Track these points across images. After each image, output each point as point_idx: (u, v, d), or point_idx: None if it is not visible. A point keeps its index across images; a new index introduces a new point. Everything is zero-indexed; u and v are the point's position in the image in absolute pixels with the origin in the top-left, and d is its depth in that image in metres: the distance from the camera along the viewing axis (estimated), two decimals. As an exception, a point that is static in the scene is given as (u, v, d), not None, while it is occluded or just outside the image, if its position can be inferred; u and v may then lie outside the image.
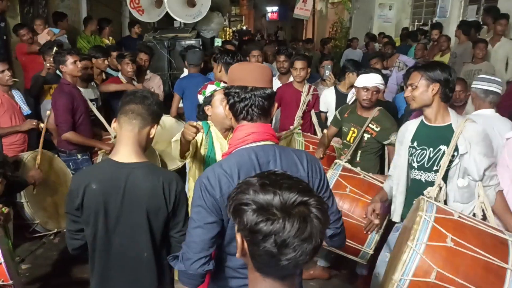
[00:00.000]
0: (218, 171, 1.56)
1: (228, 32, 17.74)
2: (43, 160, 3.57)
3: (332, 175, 2.95)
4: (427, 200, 2.15)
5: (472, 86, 3.02)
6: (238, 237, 1.03)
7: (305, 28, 18.61)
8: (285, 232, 0.92)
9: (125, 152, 1.83)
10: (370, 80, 3.24)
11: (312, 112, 4.35)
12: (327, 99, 4.41)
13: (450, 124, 2.40)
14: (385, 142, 3.26)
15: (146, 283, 1.89)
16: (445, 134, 2.39)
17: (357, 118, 3.35)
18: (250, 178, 1.04)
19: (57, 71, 4.17)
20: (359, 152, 3.32)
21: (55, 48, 4.26)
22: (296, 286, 1.74)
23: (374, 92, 3.24)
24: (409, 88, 2.45)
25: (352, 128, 3.35)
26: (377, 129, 3.24)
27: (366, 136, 3.27)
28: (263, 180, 1.01)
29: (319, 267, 3.60)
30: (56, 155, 3.78)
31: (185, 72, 5.04)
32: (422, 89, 2.40)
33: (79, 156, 3.74)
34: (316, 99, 4.34)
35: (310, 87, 4.30)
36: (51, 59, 4.26)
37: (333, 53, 9.40)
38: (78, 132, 3.70)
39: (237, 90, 1.64)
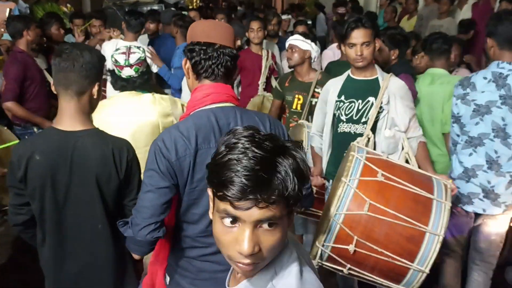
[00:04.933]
0: (175, 133, 1.48)
1: (195, -1, 17.18)
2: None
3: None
4: (358, 146, 2.24)
5: None
6: None
7: (275, -6, 18.21)
8: None
9: (68, 121, 1.71)
10: (290, 39, 3.38)
11: (273, 78, 4.25)
12: None
13: (377, 78, 2.48)
14: None
15: (102, 255, 1.83)
16: (373, 87, 2.47)
17: (299, 85, 3.37)
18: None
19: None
20: (310, 118, 3.31)
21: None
22: None
23: (295, 50, 3.29)
24: (360, 46, 2.37)
25: (297, 95, 3.37)
26: None
27: (314, 100, 3.27)
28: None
29: (297, 235, 3.64)
30: (5, 127, 3.58)
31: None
32: (373, 46, 2.41)
33: (35, 129, 3.57)
34: (275, 63, 4.26)
35: (268, 52, 4.22)
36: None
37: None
38: (35, 104, 3.55)
39: (204, 47, 1.53)
